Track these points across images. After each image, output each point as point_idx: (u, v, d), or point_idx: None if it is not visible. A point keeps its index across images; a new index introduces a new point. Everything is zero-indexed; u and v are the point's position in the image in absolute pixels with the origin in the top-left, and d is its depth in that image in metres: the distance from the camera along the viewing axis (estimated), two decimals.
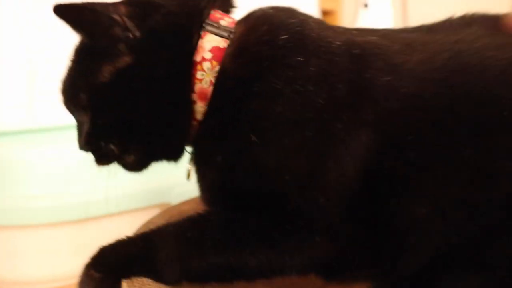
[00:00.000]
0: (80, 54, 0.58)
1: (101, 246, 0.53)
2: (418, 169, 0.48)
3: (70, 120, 0.62)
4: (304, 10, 1.98)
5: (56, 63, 0.61)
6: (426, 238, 0.49)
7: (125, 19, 0.54)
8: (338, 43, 0.52)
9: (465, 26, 0.57)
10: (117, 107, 0.55)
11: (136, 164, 0.60)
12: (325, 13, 2.53)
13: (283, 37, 0.51)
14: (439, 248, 0.49)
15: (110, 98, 0.55)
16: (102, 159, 0.59)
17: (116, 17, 0.53)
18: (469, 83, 0.48)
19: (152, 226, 0.55)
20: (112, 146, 0.57)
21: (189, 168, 0.62)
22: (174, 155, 0.61)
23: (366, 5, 2.18)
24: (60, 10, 0.53)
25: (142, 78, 0.54)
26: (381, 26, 2.35)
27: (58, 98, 0.61)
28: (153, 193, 1.13)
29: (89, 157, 0.61)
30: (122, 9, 0.55)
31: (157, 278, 0.48)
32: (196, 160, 0.60)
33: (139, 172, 0.61)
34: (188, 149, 0.61)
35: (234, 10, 0.62)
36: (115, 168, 1.09)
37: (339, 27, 0.58)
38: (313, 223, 0.48)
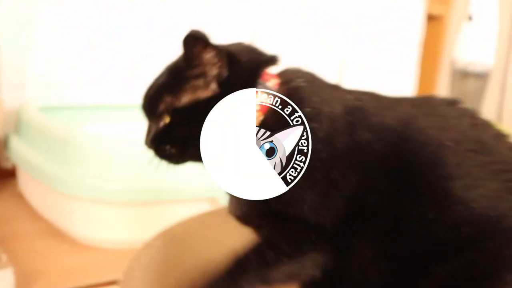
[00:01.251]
0: (172, 72, 0.72)
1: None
2: (372, 213, 0.64)
3: None
4: (411, 13, 2.01)
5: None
6: (369, 279, 0.64)
7: (223, 61, 0.68)
8: (338, 110, 0.68)
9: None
10: (188, 126, 0.70)
11: (183, 163, 0.74)
12: (431, 17, 2.44)
13: (307, 109, 0.67)
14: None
15: (184, 118, 0.70)
16: (162, 157, 0.73)
17: (219, 59, 0.68)
18: (413, 153, 0.65)
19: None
20: (173, 150, 0.72)
21: None
22: None
23: (470, 18, 2.09)
24: (193, 38, 0.66)
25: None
26: (484, 41, 2.21)
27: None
28: (205, 187, 1.30)
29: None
30: (224, 54, 0.68)
31: None
32: None
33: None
34: None
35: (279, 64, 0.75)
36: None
37: (340, 93, 0.73)
38: (317, 238, 0.66)
